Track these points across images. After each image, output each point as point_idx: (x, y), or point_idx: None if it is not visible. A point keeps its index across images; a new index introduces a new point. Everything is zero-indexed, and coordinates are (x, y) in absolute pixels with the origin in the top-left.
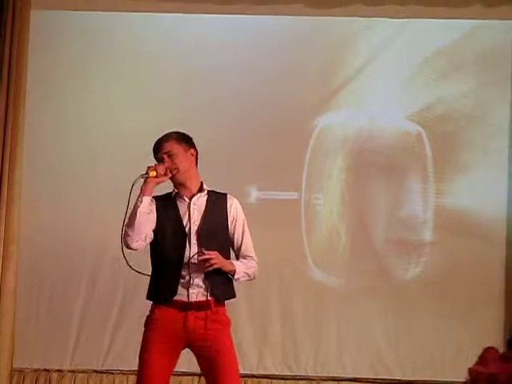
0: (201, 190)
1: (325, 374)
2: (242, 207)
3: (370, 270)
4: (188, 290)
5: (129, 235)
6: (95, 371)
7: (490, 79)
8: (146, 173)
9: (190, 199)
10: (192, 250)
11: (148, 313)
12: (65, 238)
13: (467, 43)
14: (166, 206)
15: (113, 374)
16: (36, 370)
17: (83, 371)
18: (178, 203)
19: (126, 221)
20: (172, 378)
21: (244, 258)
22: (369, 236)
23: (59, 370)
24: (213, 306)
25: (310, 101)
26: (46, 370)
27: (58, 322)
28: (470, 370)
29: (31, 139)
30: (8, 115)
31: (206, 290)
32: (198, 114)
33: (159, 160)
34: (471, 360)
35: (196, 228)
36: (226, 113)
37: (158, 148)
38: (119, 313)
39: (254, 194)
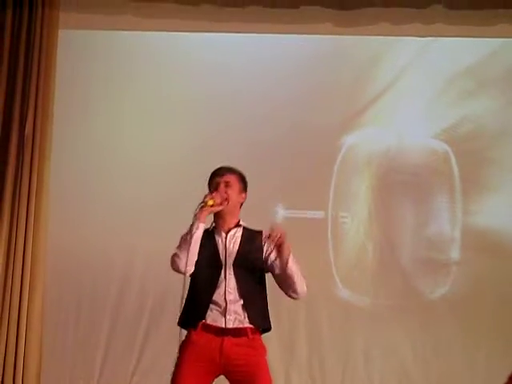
0: (237, 225)
1: None
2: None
3: (396, 289)
4: (225, 317)
5: (180, 259)
6: None
7: None
8: (204, 201)
9: (227, 233)
10: (228, 282)
11: (175, 334)
12: (91, 260)
13: (493, 61)
14: (205, 238)
15: None
16: None
17: None
18: (216, 236)
19: (182, 244)
20: None
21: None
22: (396, 255)
23: None
24: (250, 333)
25: (337, 120)
26: None
27: (85, 341)
28: None
29: (57, 161)
30: (35, 135)
31: (244, 317)
32: (226, 133)
33: (215, 184)
34: (500, 379)
35: (232, 261)
36: (253, 133)
37: (220, 173)
38: (146, 333)
39: (281, 212)
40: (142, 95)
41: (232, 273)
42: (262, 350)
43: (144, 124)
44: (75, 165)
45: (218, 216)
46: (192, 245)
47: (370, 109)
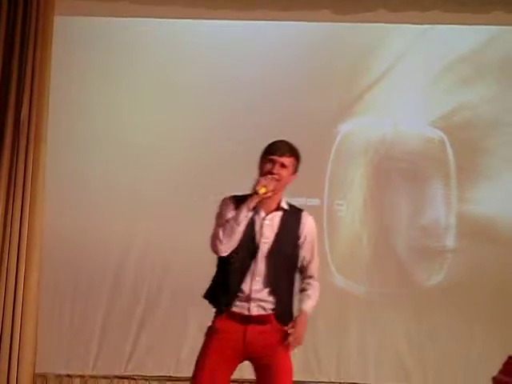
0: (278, 208)
1: (347, 381)
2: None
3: (392, 277)
4: (249, 304)
5: (222, 244)
6: (117, 377)
7: None
8: (255, 190)
9: (266, 215)
10: (259, 266)
11: (170, 322)
12: (87, 247)
13: (490, 49)
14: None
15: (135, 379)
16: (58, 376)
17: (105, 377)
18: (255, 217)
19: (227, 231)
20: None
21: (306, 278)
22: (391, 242)
23: (81, 376)
24: (273, 320)
25: (333, 107)
26: (68, 375)
27: (80, 328)
28: (494, 379)
29: (53, 146)
30: (31, 121)
31: (268, 305)
32: (218, 122)
33: (271, 162)
34: (495, 367)
35: (266, 246)
36: (247, 120)
37: (280, 153)
38: (141, 319)
39: None
40: (139, 81)
41: (263, 260)
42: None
43: (142, 110)
44: (72, 151)
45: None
46: (237, 234)
47: (365, 96)
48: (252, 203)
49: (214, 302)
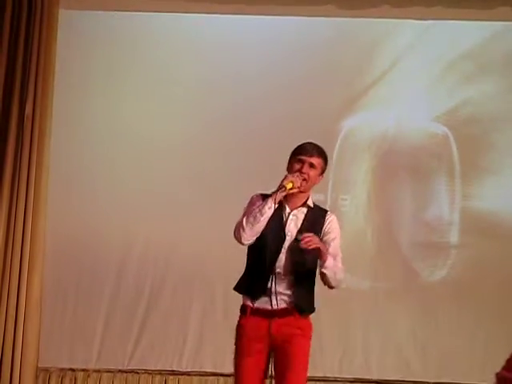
0: (303, 204)
1: (350, 376)
2: None
3: (395, 272)
4: (271, 298)
5: (245, 232)
6: (120, 371)
7: None
8: (282, 184)
9: (291, 211)
10: (280, 259)
11: (173, 318)
12: (90, 242)
13: (494, 45)
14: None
15: (138, 373)
16: (61, 370)
17: (108, 371)
18: (282, 212)
19: (250, 219)
20: (198, 378)
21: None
22: (395, 238)
23: (85, 370)
24: (295, 312)
25: (337, 103)
26: (71, 369)
27: (83, 322)
28: (497, 376)
29: (57, 142)
30: (35, 117)
31: (289, 298)
32: (221, 117)
33: (301, 162)
34: (499, 363)
35: (289, 240)
36: (251, 115)
37: (309, 154)
38: (144, 314)
39: (280, 195)
40: (143, 76)
41: (286, 253)
42: (308, 330)
43: (145, 105)
44: (76, 147)
45: (289, 193)
46: (260, 223)
47: (369, 92)
48: (278, 196)
49: (246, 293)
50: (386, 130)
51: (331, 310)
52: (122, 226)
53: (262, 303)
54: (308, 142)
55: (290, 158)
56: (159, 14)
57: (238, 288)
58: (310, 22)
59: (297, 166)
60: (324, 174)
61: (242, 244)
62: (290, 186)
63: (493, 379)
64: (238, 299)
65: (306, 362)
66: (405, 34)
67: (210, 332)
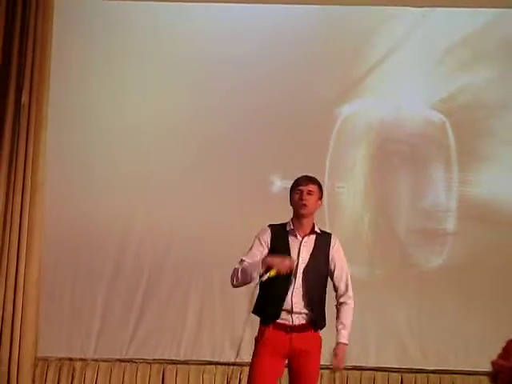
0: (312, 231)
1: (347, 363)
2: (266, 196)
3: (392, 259)
4: (292, 316)
5: (238, 282)
6: (118, 360)
7: None
8: (267, 272)
9: (303, 238)
10: (297, 283)
11: (170, 306)
12: (88, 228)
13: (491, 32)
14: (280, 237)
15: (136, 362)
16: (60, 359)
17: (106, 360)
18: (291, 238)
19: (243, 275)
20: (196, 367)
21: (340, 297)
22: (392, 225)
23: (83, 359)
24: (311, 327)
25: (334, 90)
26: (69, 358)
27: (81, 312)
28: (493, 364)
29: (54, 129)
30: (32, 104)
31: (307, 316)
32: (218, 102)
33: (298, 192)
34: (495, 349)
35: (304, 266)
36: (249, 102)
37: (305, 183)
38: (142, 302)
39: (278, 183)
40: (140, 61)
41: (301, 277)
42: (320, 343)
43: (143, 93)
44: (73, 134)
45: (296, 219)
46: (248, 283)
47: (367, 79)
48: (262, 273)
49: (264, 316)
50: (383, 117)
51: (328, 297)
52: (120, 213)
53: (283, 320)
54: (303, 175)
55: (290, 191)
56: (156, 2)
57: (256, 311)
58: (307, 9)
59: (297, 196)
60: (321, 203)
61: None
62: (273, 273)
63: (489, 367)
64: (235, 289)
65: (318, 374)
66: (402, 21)
67: (208, 321)
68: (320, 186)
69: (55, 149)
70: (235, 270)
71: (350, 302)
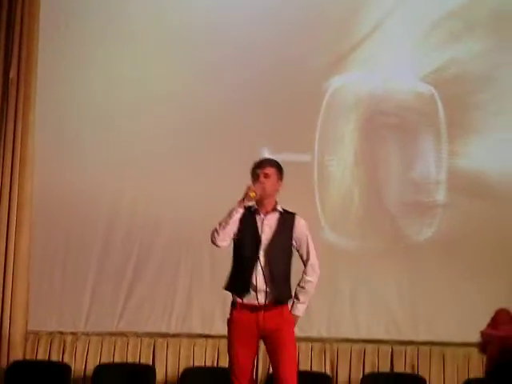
0: (274, 209)
1: (338, 336)
2: None
3: (383, 232)
4: (257, 294)
5: (218, 235)
6: (109, 333)
7: (503, 40)
8: (246, 193)
9: (265, 216)
10: (261, 260)
11: (160, 281)
12: (77, 203)
13: (480, 3)
14: (248, 217)
15: (127, 336)
16: (50, 333)
17: (97, 333)
18: (257, 217)
19: (222, 223)
20: (187, 339)
21: (304, 275)
22: (382, 198)
23: (73, 333)
24: (279, 305)
25: (323, 62)
26: (60, 332)
27: (72, 285)
28: (482, 333)
29: (43, 103)
30: (20, 79)
31: (272, 293)
32: (208, 76)
33: (256, 175)
34: (485, 321)
35: (266, 243)
36: (237, 75)
37: (261, 166)
38: (133, 276)
39: (267, 156)
40: (133, 30)
41: (264, 253)
42: (290, 319)
43: (133, 62)
44: (62, 109)
45: (258, 201)
46: (230, 225)
47: (356, 51)
48: (242, 202)
49: (234, 291)
50: (372, 89)
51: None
52: (110, 189)
53: (249, 299)
54: (262, 158)
55: (251, 172)
56: None
57: (227, 287)
58: None
59: (255, 177)
60: (282, 180)
61: (217, 246)
62: (253, 194)
63: (478, 337)
64: (225, 262)
65: (295, 346)
66: None
67: (197, 294)
68: (278, 168)
69: (44, 124)
70: (214, 228)
71: (312, 278)
